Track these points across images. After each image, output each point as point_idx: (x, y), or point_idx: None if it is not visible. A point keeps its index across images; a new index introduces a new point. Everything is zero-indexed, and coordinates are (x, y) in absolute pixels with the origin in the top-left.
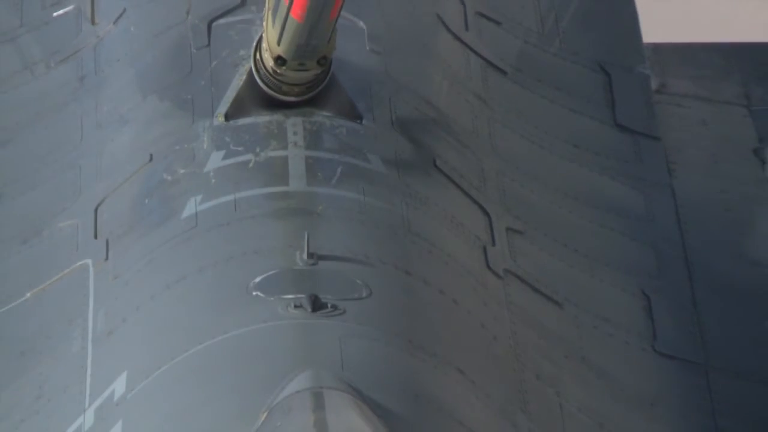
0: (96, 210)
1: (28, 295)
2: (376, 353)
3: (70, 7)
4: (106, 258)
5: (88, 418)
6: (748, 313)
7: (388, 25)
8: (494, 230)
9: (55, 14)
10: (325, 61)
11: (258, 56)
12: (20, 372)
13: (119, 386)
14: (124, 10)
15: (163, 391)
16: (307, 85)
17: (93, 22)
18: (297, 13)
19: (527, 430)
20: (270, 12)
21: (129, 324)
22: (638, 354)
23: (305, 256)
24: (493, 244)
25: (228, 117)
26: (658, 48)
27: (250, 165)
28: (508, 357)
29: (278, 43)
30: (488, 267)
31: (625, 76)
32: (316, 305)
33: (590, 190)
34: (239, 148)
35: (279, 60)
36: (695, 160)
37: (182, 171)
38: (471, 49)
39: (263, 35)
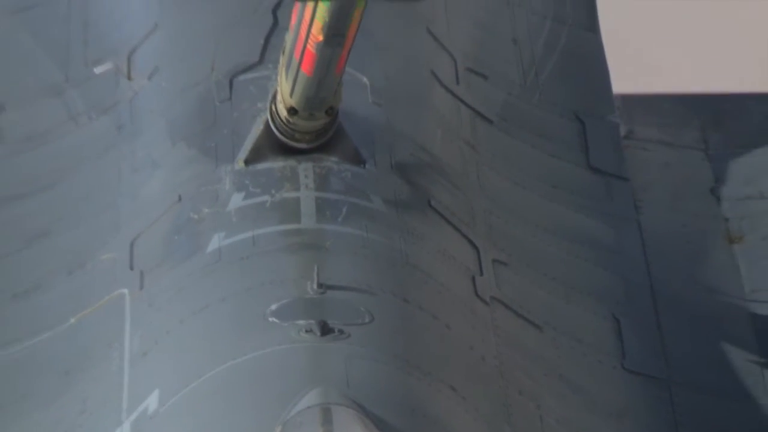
0: (132, 245)
1: (72, 320)
2: (377, 373)
3: (110, 65)
4: (141, 287)
5: (125, 430)
6: (705, 334)
7: (388, 80)
8: (482, 262)
9: (96, 71)
10: (332, 111)
11: (273, 108)
12: (64, 389)
13: (152, 402)
14: (157, 68)
15: (190, 407)
16: (317, 133)
17: (129, 78)
18: (307, 68)
19: None
20: (283, 68)
21: (161, 346)
22: (609, 371)
23: (315, 286)
24: (481, 274)
25: (247, 162)
26: (627, 98)
27: (267, 205)
28: (494, 375)
29: (291, 96)
30: (476, 295)
31: (597, 124)
32: (325, 330)
33: (566, 226)
34: (257, 190)
35: (292, 110)
36: (659, 198)
37: (207, 210)
38: (461, 100)
39: (278, 89)
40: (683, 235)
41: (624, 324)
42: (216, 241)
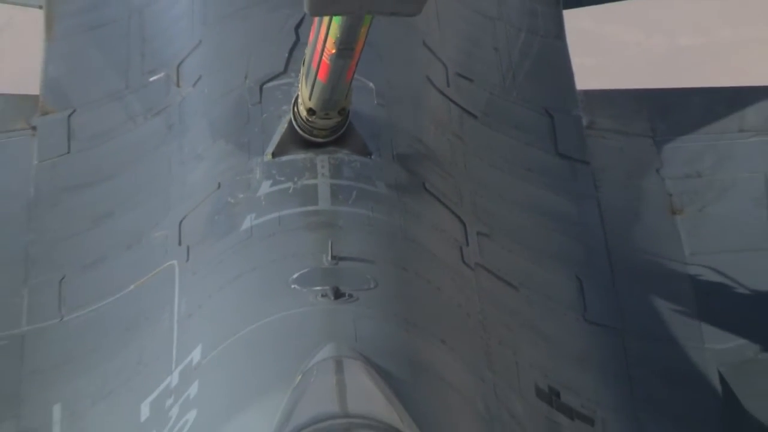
0: (180, 224)
1: (132, 287)
2: (380, 330)
3: (162, 74)
4: (187, 260)
5: (174, 378)
6: (652, 291)
7: (390, 85)
8: (468, 234)
9: (150, 79)
10: (344, 112)
11: (295, 109)
12: (125, 344)
13: (196, 355)
14: (200, 77)
15: (226, 359)
16: (331, 129)
17: (178, 85)
18: (323, 76)
19: (492, 383)
20: (304, 76)
21: (203, 309)
22: (573, 322)
23: (329, 258)
24: (467, 244)
25: (274, 155)
26: (588, 94)
27: (290, 191)
28: (478, 329)
29: (309, 99)
30: (463, 262)
31: (563, 117)
32: (337, 294)
33: (538, 202)
34: (282, 178)
35: (310, 111)
36: (614, 178)
37: (241, 195)
38: (451, 100)
39: (299, 93)
40: (634, 209)
41: (585, 283)
42: (248, 221)
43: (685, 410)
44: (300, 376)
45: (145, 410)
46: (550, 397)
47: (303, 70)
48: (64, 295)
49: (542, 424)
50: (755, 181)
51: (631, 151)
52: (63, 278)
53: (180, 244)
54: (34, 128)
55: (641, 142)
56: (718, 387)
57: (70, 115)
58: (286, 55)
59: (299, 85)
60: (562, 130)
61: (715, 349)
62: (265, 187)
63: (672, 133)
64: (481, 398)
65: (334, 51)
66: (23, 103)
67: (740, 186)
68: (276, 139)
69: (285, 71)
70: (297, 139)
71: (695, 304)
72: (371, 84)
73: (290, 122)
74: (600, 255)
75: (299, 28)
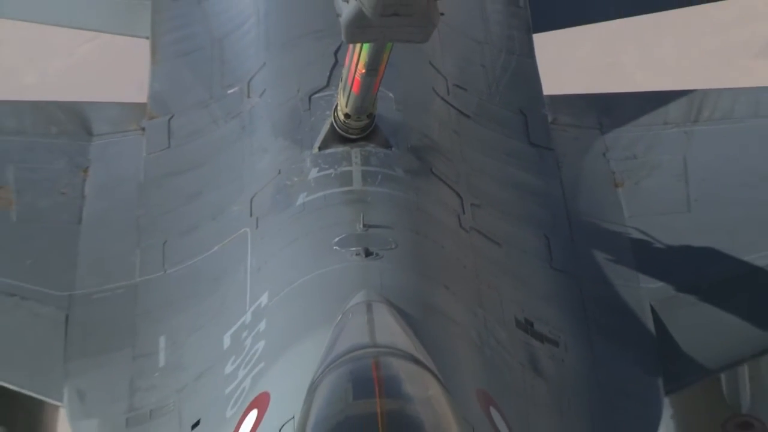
0: (251, 200)
1: (216, 248)
2: (400, 280)
3: (237, 88)
4: (257, 227)
5: (248, 316)
6: (601, 246)
7: (405, 94)
8: (464, 206)
9: (228, 92)
10: (371, 116)
11: (335, 114)
12: (212, 291)
13: (264, 299)
14: (265, 90)
15: (286, 302)
16: (362, 129)
17: (248, 96)
18: (356, 90)
19: (482, 317)
20: (341, 90)
21: (269, 264)
22: (543, 270)
23: (361, 226)
24: (463, 213)
25: (320, 149)
26: (552, 98)
27: (332, 175)
28: (472, 277)
29: (345, 106)
30: (461, 226)
31: (534, 116)
32: (367, 253)
33: (515, 180)
34: (326, 166)
35: (346, 116)
36: (572, 161)
37: (296, 179)
38: (450, 105)
39: (338, 102)
40: (587, 184)
41: (551, 240)
42: (301, 199)
43: (625, 334)
44: (340, 316)
45: (227, 340)
46: (526, 326)
47: (341, 85)
48: (166, 255)
49: (520, 347)
50: (675, 162)
51: (584, 140)
52: (165, 242)
53: (251, 215)
54: (143, 129)
55: (591, 133)
56: (650, 316)
57: (169, 119)
58: (328, 73)
59: (338, 96)
60: (533, 126)
61: (647, 288)
62: (314, 173)
63: (614, 126)
64: (474, 329)
65: (363, 71)
66: (135, 110)
67: (664, 166)
68: (321, 136)
69: (327, 85)
70: (336, 137)
71: (632, 254)
72: (391, 94)
73: (331, 124)
74: (562, 219)
75: (338, 53)
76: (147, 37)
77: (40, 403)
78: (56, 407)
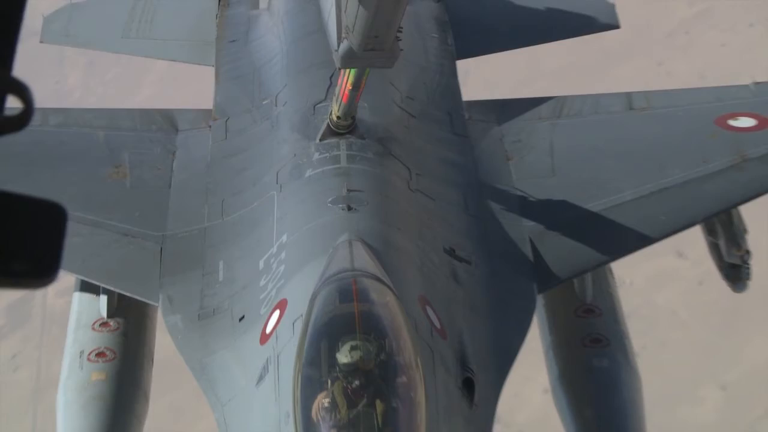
0: (277, 174)
1: (255, 204)
2: (370, 226)
3: (268, 100)
4: (280, 191)
5: (274, 248)
6: (497, 200)
7: (374, 103)
8: (411, 175)
9: (263, 103)
10: (354, 118)
11: (330, 117)
12: (252, 231)
13: (284, 238)
14: (286, 102)
15: (298, 240)
16: (347, 127)
17: (275, 106)
18: (344, 100)
19: (422, 248)
20: (335, 100)
21: (288, 215)
22: (462, 215)
23: (345, 191)
24: (411, 180)
25: (320, 140)
26: (469, 102)
27: (327, 158)
28: (415, 220)
29: (337, 112)
30: (409, 188)
31: (456, 115)
32: (349, 209)
33: (444, 157)
34: (324, 152)
35: (338, 117)
36: (482, 144)
37: (305, 160)
38: (402, 109)
39: (332, 109)
40: (489, 159)
41: (466, 196)
42: (308, 173)
43: (513, 255)
44: (331, 249)
45: (261, 264)
46: (450, 252)
47: (334, 98)
48: (224, 208)
49: (446, 266)
50: (545, 144)
51: (487, 130)
52: (223, 200)
53: (277, 183)
54: (210, 126)
55: (492, 126)
56: (529, 244)
57: (226, 121)
58: (326, 90)
59: (332, 105)
60: (456, 122)
61: (527, 225)
62: (316, 156)
63: (506, 120)
64: (417, 256)
65: (350, 87)
66: (205, 114)
67: (538, 146)
68: (321, 132)
69: (325, 99)
70: (331, 132)
71: (517, 204)
72: (365, 104)
73: (328, 124)
74: (474, 182)
75: (332, 77)
76: (212, 65)
77: (145, 304)
78: (155, 307)
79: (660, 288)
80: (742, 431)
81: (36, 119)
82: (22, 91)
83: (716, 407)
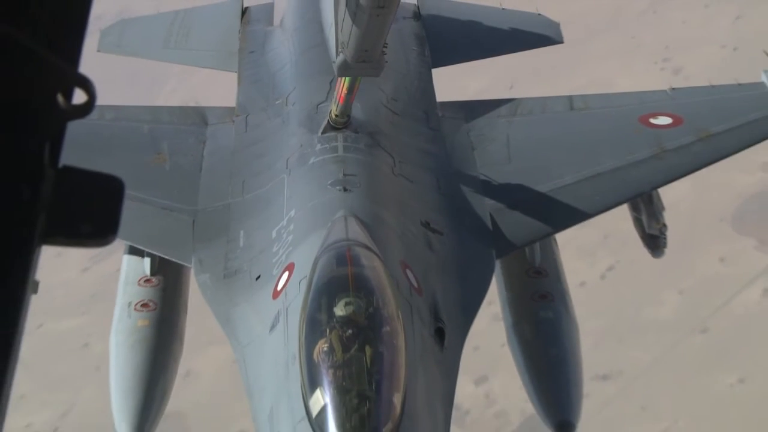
0: (287, 161)
1: (270, 185)
2: (364, 206)
3: (281, 100)
4: (290, 175)
5: (284, 221)
6: (465, 182)
7: (365, 105)
8: (395, 161)
9: (276, 102)
10: (349, 116)
11: (330, 114)
12: (267, 207)
13: (292, 213)
14: (294, 102)
15: (304, 215)
16: (344, 123)
17: (286, 105)
18: (341, 102)
19: (402, 222)
20: (334, 101)
21: (296, 194)
22: (435, 194)
23: (342, 175)
24: (395, 166)
25: (322, 134)
26: (442, 103)
27: (328, 148)
28: (398, 200)
29: (336, 110)
30: (393, 173)
31: (431, 113)
32: (345, 190)
33: (422, 147)
34: (325, 143)
35: (336, 115)
36: (452, 137)
37: (309, 149)
38: (389, 108)
39: (331, 108)
40: (458, 149)
41: (440, 179)
42: (312, 160)
43: (477, 228)
44: (330, 223)
45: (274, 234)
46: (426, 225)
47: (333, 99)
48: (244, 188)
49: (423, 236)
50: (503, 137)
51: (457, 126)
52: (243, 181)
53: (287, 168)
54: (233, 121)
55: (461, 122)
56: (489, 218)
57: (246, 117)
58: (326, 93)
59: (332, 105)
60: (431, 119)
61: (489, 203)
62: (318, 147)
63: (473, 118)
64: (399, 228)
65: (345, 91)
66: (229, 111)
67: (497, 140)
68: (322, 127)
69: (326, 99)
70: (330, 127)
71: (480, 186)
72: (358, 104)
73: (328, 120)
74: (446, 167)
75: (332, 82)
76: (235, 71)
77: (180, 265)
78: (188, 267)
79: (628, 219)
80: (695, 326)
81: (94, 114)
82: (86, 84)
83: (674, 308)
